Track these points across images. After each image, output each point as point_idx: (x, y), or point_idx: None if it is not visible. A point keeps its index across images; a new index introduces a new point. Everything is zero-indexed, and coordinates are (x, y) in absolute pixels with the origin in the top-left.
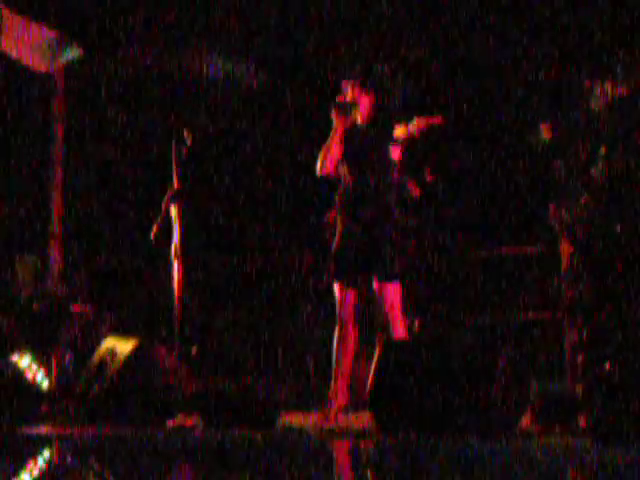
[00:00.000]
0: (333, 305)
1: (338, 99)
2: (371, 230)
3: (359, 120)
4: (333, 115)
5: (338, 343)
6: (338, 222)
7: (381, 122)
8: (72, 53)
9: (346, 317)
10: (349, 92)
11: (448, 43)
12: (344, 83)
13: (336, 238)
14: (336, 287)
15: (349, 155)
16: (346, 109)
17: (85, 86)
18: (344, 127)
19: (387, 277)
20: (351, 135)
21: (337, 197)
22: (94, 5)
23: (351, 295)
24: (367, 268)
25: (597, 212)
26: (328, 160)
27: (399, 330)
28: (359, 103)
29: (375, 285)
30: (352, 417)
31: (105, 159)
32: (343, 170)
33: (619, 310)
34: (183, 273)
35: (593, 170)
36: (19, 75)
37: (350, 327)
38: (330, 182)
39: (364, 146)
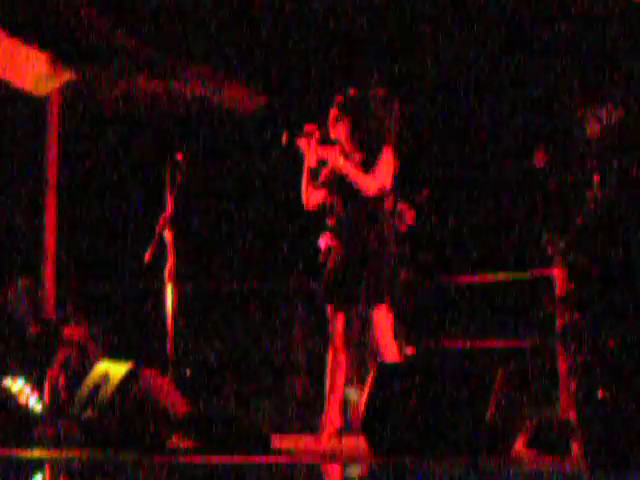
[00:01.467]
0: (325, 328)
1: (306, 129)
2: (361, 257)
3: (346, 148)
4: (300, 147)
5: (330, 366)
6: (333, 248)
7: (369, 149)
8: (66, 76)
9: (337, 341)
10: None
11: (444, 67)
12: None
13: (329, 263)
14: (327, 311)
15: (338, 186)
16: (308, 137)
17: (79, 109)
18: (311, 160)
19: (375, 302)
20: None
21: (330, 224)
22: (88, 27)
23: (341, 319)
24: (356, 293)
25: (591, 238)
26: (306, 196)
27: (390, 355)
28: (336, 127)
29: (365, 310)
30: (345, 441)
31: (99, 182)
32: (334, 200)
33: (613, 336)
34: (176, 297)
35: (587, 195)
36: (13, 98)
37: (341, 350)
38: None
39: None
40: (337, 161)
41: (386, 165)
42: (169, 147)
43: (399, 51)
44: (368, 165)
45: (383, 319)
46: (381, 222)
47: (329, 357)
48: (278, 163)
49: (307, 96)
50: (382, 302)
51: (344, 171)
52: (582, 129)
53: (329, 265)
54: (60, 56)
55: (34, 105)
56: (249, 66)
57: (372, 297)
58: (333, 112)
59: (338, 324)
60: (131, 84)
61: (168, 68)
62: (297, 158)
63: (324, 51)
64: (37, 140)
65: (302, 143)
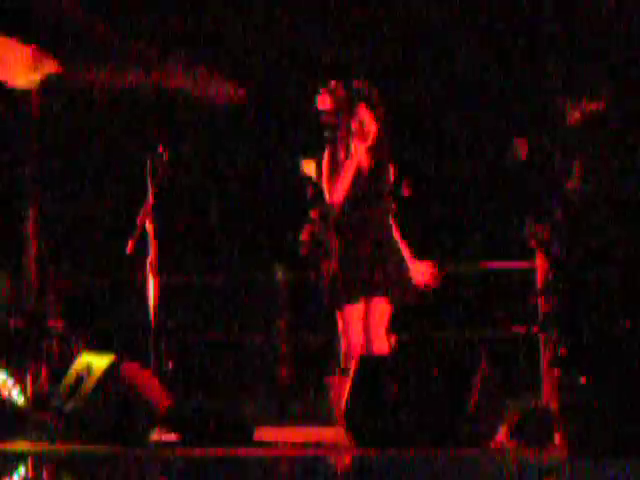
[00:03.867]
0: (307, 320)
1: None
2: (371, 253)
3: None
4: (355, 141)
5: (344, 365)
6: (335, 247)
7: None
8: (48, 68)
9: (350, 332)
10: (358, 113)
11: (425, 61)
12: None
13: (332, 265)
14: (338, 316)
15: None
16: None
17: (61, 101)
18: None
19: (380, 293)
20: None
21: (330, 221)
22: (70, 20)
23: (350, 312)
24: (364, 289)
25: (572, 228)
26: (341, 190)
27: (379, 347)
28: (368, 127)
29: (365, 299)
30: (328, 432)
31: (80, 174)
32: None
33: (594, 325)
34: (158, 288)
35: (568, 186)
36: None
37: (355, 343)
38: (305, 199)
39: (368, 172)
40: None
41: None
42: (150, 138)
43: (377, 45)
44: (381, 164)
45: (381, 311)
46: (387, 216)
47: (342, 356)
48: (258, 154)
49: (285, 89)
50: (387, 294)
51: None
52: (563, 119)
53: (334, 267)
54: (43, 48)
55: (15, 97)
56: (229, 58)
57: (376, 287)
58: (361, 110)
59: (348, 316)
60: (113, 76)
61: (149, 60)
62: (273, 151)
63: (303, 45)
64: (18, 132)
65: (358, 138)
